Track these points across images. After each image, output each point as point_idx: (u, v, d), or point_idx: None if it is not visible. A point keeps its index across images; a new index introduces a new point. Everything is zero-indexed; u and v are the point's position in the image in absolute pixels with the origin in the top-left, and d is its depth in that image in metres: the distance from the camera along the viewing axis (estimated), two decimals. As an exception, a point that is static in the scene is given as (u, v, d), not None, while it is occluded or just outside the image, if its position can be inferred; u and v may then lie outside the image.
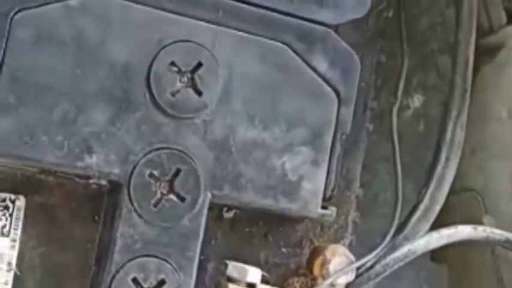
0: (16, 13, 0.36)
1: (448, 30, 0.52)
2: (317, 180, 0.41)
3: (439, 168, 0.45)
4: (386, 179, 0.50)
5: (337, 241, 0.44)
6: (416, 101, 0.52)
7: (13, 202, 0.37)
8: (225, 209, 0.42)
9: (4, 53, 0.36)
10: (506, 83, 0.51)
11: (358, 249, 0.44)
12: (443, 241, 0.43)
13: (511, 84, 0.51)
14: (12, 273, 0.36)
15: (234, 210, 0.42)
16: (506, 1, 0.51)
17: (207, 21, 0.40)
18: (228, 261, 0.41)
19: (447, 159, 0.46)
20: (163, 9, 0.39)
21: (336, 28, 0.43)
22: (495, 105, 0.51)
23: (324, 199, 0.42)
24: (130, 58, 0.38)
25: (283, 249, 0.44)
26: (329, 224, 0.44)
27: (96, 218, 0.39)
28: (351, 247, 0.44)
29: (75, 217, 0.38)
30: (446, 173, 0.46)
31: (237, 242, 0.42)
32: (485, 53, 0.51)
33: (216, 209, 0.41)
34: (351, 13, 0.42)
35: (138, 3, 0.38)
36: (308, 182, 0.41)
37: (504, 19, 0.51)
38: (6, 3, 0.36)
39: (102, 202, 0.39)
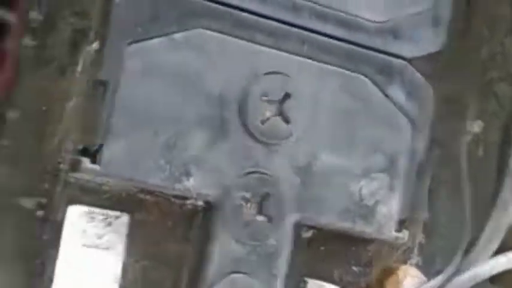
0: (129, 45, 0.39)
1: (507, 60, 0.55)
2: (392, 204, 0.44)
3: (503, 192, 0.48)
4: (448, 203, 0.52)
5: (404, 262, 0.47)
6: (476, 126, 0.55)
7: (117, 218, 0.40)
8: (304, 228, 0.45)
9: (119, 82, 0.39)
10: None
11: (423, 271, 0.47)
12: (510, 265, 0.45)
13: None
14: (117, 286, 0.39)
15: (312, 230, 0.45)
16: None
17: (295, 54, 0.43)
18: (307, 279, 0.44)
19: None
20: (256, 43, 0.42)
21: (410, 60, 0.46)
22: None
23: (398, 222, 0.45)
24: (226, 88, 0.41)
25: (355, 268, 0.46)
26: (398, 245, 0.47)
27: (190, 236, 0.42)
28: (417, 268, 0.47)
29: (170, 235, 0.41)
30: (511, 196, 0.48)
31: (313, 260, 0.45)
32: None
33: (297, 230, 0.44)
34: (428, 47, 0.45)
35: (234, 36, 0.42)
36: (383, 206, 0.44)
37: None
38: (121, 36, 0.39)
39: (196, 221, 0.42)
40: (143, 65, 0.40)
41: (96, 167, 0.39)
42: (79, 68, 0.41)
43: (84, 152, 0.40)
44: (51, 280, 0.40)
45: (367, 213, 0.44)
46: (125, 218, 0.41)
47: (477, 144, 0.56)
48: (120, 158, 0.39)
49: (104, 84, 0.40)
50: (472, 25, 0.53)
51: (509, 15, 0.54)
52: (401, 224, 0.45)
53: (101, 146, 0.39)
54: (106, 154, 0.39)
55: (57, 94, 0.40)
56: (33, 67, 0.41)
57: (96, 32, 0.41)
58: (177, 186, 0.40)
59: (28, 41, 0.40)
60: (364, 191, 0.44)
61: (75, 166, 0.40)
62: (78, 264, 0.40)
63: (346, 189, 0.43)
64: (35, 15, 0.40)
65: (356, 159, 0.44)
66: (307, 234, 0.46)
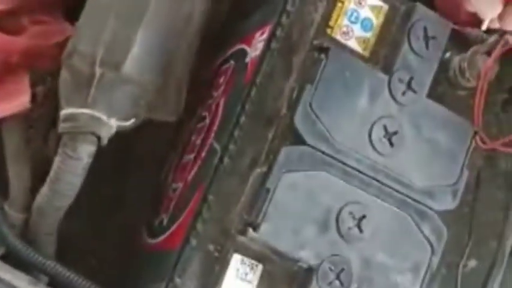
0: (284, 173, 0.70)
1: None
2: None
3: None
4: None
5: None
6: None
7: (257, 266, 0.69)
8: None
9: (275, 191, 0.69)
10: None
11: None
12: None
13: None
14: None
15: None
16: None
17: (372, 195, 0.71)
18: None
19: None
20: (352, 185, 0.71)
21: (436, 212, 0.75)
22: None
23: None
24: (332, 206, 0.69)
25: None
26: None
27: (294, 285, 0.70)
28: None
29: (285, 281, 0.69)
30: None
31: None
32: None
33: None
34: (448, 205, 0.75)
35: (341, 179, 0.71)
36: None
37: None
38: (282, 168, 0.69)
39: (300, 277, 0.70)
40: (291, 185, 0.70)
41: (255, 235, 0.69)
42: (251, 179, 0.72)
43: (250, 223, 0.70)
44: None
45: None
46: (260, 267, 0.70)
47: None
48: (270, 233, 0.69)
49: (268, 191, 0.70)
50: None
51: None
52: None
53: (261, 222, 0.69)
54: (262, 228, 0.69)
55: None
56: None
57: (266, 159, 0.71)
58: (296, 253, 0.69)
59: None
60: (398, 281, 0.71)
61: (242, 232, 0.70)
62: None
63: (388, 277, 0.70)
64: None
65: (397, 261, 0.70)
66: None
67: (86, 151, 0.70)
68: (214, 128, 0.76)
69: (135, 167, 0.89)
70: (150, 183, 0.87)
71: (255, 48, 0.76)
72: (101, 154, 0.74)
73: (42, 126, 0.75)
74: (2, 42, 0.72)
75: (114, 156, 0.81)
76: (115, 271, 0.82)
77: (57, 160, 0.70)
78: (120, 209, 0.87)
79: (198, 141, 0.80)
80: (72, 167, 0.69)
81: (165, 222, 0.78)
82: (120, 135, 0.76)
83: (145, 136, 0.86)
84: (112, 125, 0.70)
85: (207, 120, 0.80)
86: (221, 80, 0.83)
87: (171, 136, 0.88)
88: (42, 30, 0.75)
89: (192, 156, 0.80)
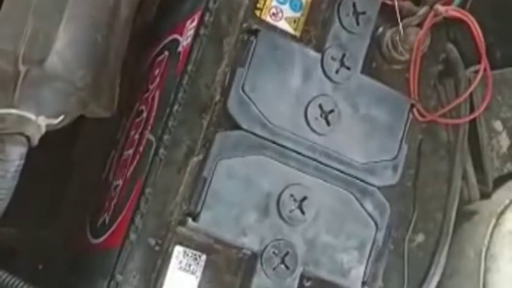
0: (220, 160, 0.68)
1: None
2: (359, 271, 0.71)
3: None
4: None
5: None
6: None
7: (200, 256, 0.68)
8: (306, 279, 0.72)
9: (212, 179, 0.68)
10: (477, 235, 0.82)
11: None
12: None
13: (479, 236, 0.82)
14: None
15: (310, 281, 0.71)
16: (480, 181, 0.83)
17: (311, 175, 0.70)
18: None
19: None
20: (291, 167, 0.69)
21: (378, 187, 0.75)
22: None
23: (362, 283, 0.72)
24: (271, 190, 0.68)
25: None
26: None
27: (239, 272, 0.70)
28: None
29: (228, 270, 0.68)
30: None
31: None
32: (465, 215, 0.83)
33: (302, 280, 0.71)
34: (389, 181, 0.74)
35: (279, 162, 0.70)
36: (354, 271, 0.70)
37: (478, 195, 0.84)
38: (218, 155, 0.68)
39: (244, 263, 0.69)
40: (228, 171, 0.69)
41: (196, 225, 0.68)
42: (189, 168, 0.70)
43: (189, 214, 0.68)
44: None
45: (344, 273, 0.71)
46: (204, 257, 0.69)
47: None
48: (210, 222, 0.68)
49: (205, 179, 0.69)
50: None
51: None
52: (364, 284, 0.73)
53: (200, 212, 0.68)
54: (202, 218, 0.68)
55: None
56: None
57: (202, 147, 0.70)
58: (239, 241, 0.68)
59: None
60: (344, 260, 0.71)
61: (182, 222, 0.69)
62: (175, 282, 0.68)
63: (334, 257, 0.70)
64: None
65: (341, 240, 0.70)
66: (308, 283, 0.72)
67: (16, 152, 0.68)
68: (150, 121, 0.75)
69: (75, 166, 0.87)
70: (92, 182, 0.85)
71: (186, 36, 0.75)
72: (40, 155, 0.73)
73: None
74: None
75: (54, 156, 0.79)
76: (61, 274, 0.80)
77: (-14, 163, 0.69)
78: (62, 211, 0.85)
79: (136, 136, 0.79)
80: (3, 169, 0.67)
81: (106, 221, 0.77)
82: (59, 134, 0.74)
83: (86, 135, 0.85)
84: (40, 123, 0.69)
85: (144, 114, 0.79)
86: (156, 72, 0.81)
87: (111, 133, 0.87)
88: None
89: (130, 151, 0.78)
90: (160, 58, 0.82)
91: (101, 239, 0.76)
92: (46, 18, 0.68)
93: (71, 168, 0.86)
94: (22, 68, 0.67)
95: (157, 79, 0.79)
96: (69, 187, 0.86)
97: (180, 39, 0.77)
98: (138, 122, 0.80)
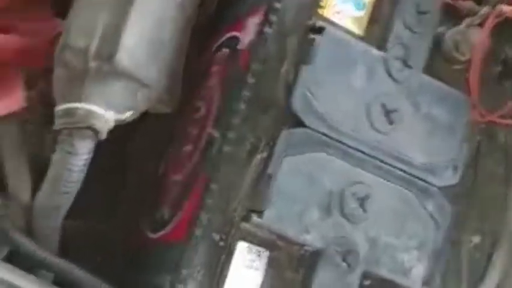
0: (284, 157, 0.69)
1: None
2: (419, 269, 0.71)
3: None
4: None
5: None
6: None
7: (263, 252, 0.68)
8: (365, 278, 0.72)
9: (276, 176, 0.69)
10: None
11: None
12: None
13: None
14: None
15: (370, 279, 0.71)
16: None
17: (374, 174, 0.71)
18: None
19: None
20: (354, 165, 0.70)
21: (439, 188, 0.75)
22: None
23: (423, 281, 0.72)
24: (334, 188, 0.69)
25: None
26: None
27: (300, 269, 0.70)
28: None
29: (291, 267, 0.69)
30: None
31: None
32: None
33: (362, 278, 0.70)
34: (449, 181, 0.74)
35: (342, 160, 0.70)
36: (415, 270, 0.71)
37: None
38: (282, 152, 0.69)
39: (307, 260, 0.69)
40: (292, 169, 0.70)
41: (260, 221, 0.69)
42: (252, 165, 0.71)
43: (253, 210, 0.69)
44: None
45: (405, 272, 0.71)
46: (266, 253, 0.70)
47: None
48: (274, 218, 0.68)
49: (270, 176, 0.69)
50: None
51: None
52: (424, 284, 0.73)
53: (265, 208, 0.69)
54: (266, 214, 0.69)
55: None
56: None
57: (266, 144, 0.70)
58: (302, 237, 0.69)
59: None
60: (405, 259, 0.71)
61: (246, 218, 0.69)
62: (239, 278, 0.69)
63: (395, 256, 0.70)
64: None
65: (403, 240, 0.70)
66: (367, 282, 0.73)
67: (85, 146, 0.69)
68: (212, 117, 0.75)
69: (132, 160, 0.88)
70: (148, 177, 0.86)
71: (248, 34, 0.75)
72: (98, 148, 0.73)
73: (38, 124, 0.74)
74: (-8, 39, 0.71)
75: (111, 150, 0.80)
76: (120, 266, 0.81)
77: (55, 157, 0.69)
78: (120, 205, 0.86)
79: (195, 132, 0.79)
80: (71, 163, 0.68)
81: (166, 215, 0.77)
82: (117, 128, 0.75)
83: (142, 129, 0.85)
84: (109, 118, 0.70)
85: (203, 110, 0.80)
86: (215, 68, 0.82)
87: (167, 128, 0.88)
88: (32, 28, 0.74)
89: (189, 147, 0.79)
90: (219, 54, 0.82)
91: (161, 233, 0.76)
92: (116, 15, 0.69)
93: (128, 162, 0.87)
94: (92, 64, 0.68)
95: (217, 76, 0.80)
96: (126, 181, 0.87)
97: (240, 36, 0.77)
98: (197, 117, 0.81)
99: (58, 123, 0.69)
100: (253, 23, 0.74)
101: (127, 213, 0.86)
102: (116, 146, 0.81)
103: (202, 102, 0.80)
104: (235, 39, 0.78)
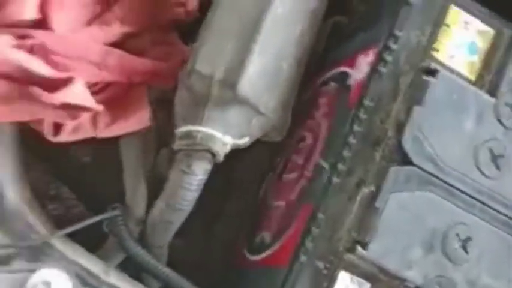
0: (391, 193, 0.71)
1: None
2: None
3: None
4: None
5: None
6: None
7: (365, 284, 0.70)
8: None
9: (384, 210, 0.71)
10: None
11: None
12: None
13: None
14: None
15: None
16: None
17: (477, 217, 0.73)
18: None
19: None
20: (457, 206, 0.73)
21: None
22: None
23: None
24: (437, 227, 0.70)
25: None
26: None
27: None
28: None
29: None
30: None
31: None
32: None
33: None
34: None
35: (446, 200, 0.73)
36: None
37: None
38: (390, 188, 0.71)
39: None
40: (399, 205, 0.72)
41: (364, 253, 0.71)
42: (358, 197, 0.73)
43: (359, 241, 0.71)
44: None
45: None
46: (368, 285, 0.71)
47: None
48: (379, 252, 0.70)
49: (377, 209, 0.71)
50: None
51: None
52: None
53: (370, 241, 0.71)
54: (371, 247, 0.71)
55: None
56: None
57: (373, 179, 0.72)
58: (404, 273, 0.70)
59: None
60: None
61: (351, 249, 0.71)
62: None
63: None
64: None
65: (503, 284, 0.72)
66: None
67: (201, 168, 0.72)
68: (319, 147, 0.78)
69: (235, 185, 0.91)
70: (249, 200, 0.89)
71: (359, 70, 0.77)
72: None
73: (155, 143, 0.78)
74: (128, 62, 0.75)
75: (216, 174, 0.84)
76: (218, 285, 0.84)
77: (172, 176, 0.73)
78: (221, 225, 0.89)
79: (300, 161, 0.82)
80: (188, 182, 0.72)
81: (267, 239, 0.80)
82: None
83: (246, 154, 0.88)
84: (227, 142, 0.73)
85: (309, 140, 0.82)
86: (322, 100, 0.84)
87: (269, 156, 0.91)
88: (162, 51, 0.78)
89: (294, 175, 0.82)
90: (326, 88, 0.85)
91: (261, 256, 0.79)
92: (242, 46, 0.72)
93: (229, 185, 0.90)
94: (215, 90, 0.71)
95: (325, 108, 0.83)
96: (228, 203, 0.90)
97: (350, 72, 0.80)
98: (301, 147, 0.83)
99: (178, 144, 0.73)
100: (365, 61, 0.77)
101: (226, 234, 0.89)
102: (218, 168, 0.85)
103: (308, 133, 0.83)
104: (345, 75, 0.81)
